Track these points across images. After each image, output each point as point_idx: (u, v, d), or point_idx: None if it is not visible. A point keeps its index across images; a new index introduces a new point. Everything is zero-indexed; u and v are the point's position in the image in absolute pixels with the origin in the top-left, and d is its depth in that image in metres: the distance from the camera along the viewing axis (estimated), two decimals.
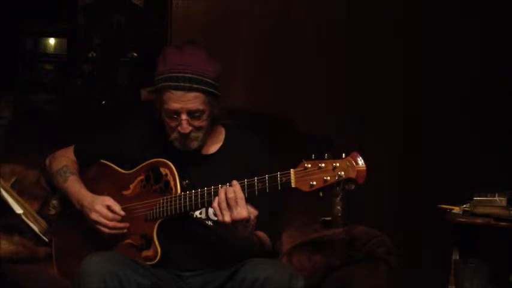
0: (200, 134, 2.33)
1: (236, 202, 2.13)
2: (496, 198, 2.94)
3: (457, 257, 3.00)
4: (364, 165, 2.01)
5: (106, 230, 2.37)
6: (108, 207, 2.37)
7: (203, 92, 2.27)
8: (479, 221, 2.92)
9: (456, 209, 3.00)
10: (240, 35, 3.50)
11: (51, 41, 3.98)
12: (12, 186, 2.70)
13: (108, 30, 3.72)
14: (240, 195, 2.13)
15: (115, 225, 2.37)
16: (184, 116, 2.27)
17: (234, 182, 2.16)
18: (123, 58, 3.72)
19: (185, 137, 2.31)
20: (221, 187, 2.18)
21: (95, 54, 3.70)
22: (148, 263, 2.30)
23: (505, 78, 3.53)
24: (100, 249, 2.33)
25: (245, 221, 2.15)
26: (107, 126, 2.63)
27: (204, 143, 2.38)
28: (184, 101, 2.25)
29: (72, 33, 3.79)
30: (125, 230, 2.38)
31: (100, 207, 2.36)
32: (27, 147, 2.88)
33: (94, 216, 2.37)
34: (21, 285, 2.44)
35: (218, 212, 2.16)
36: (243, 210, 2.13)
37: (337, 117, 3.54)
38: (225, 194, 2.14)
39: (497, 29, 3.52)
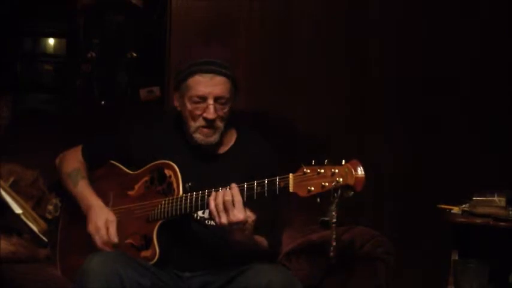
0: (221, 126, 2.37)
1: (233, 205, 2.13)
2: (495, 198, 2.94)
3: (456, 257, 3.01)
4: (363, 173, 1.99)
5: (95, 244, 2.39)
6: (107, 230, 2.38)
7: (229, 78, 2.35)
8: (478, 221, 2.93)
9: (455, 209, 3.00)
10: (239, 35, 3.50)
11: (51, 41, 3.97)
12: (10, 186, 2.70)
13: (108, 30, 3.72)
14: (238, 198, 2.14)
15: (104, 247, 2.38)
16: (211, 101, 2.32)
17: (233, 185, 2.16)
18: (123, 58, 3.72)
19: (210, 124, 2.34)
20: (220, 189, 2.18)
21: (94, 55, 3.70)
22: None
23: (505, 78, 3.53)
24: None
25: (242, 224, 2.15)
26: (114, 128, 2.65)
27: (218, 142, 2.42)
28: (212, 85, 2.31)
29: (72, 33, 3.79)
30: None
31: (101, 225, 2.38)
32: (26, 147, 2.89)
33: (92, 228, 2.39)
34: (20, 285, 2.44)
35: (215, 214, 2.16)
36: (240, 213, 2.13)
37: (337, 117, 3.54)
38: (223, 196, 2.15)
39: (497, 29, 3.52)
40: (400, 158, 3.54)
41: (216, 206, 2.15)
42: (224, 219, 2.14)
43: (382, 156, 3.50)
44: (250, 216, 2.17)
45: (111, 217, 2.41)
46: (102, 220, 2.40)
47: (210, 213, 2.19)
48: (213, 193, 2.18)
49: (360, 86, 3.57)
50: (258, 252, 2.30)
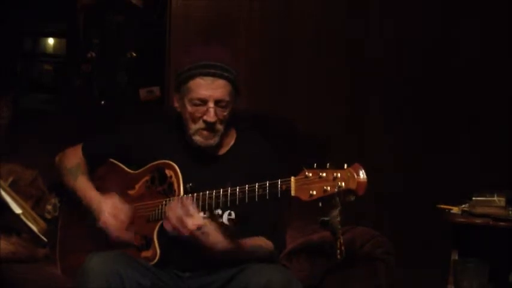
0: (221, 128, 2.37)
1: (187, 215, 2.17)
2: (495, 198, 2.94)
3: (456, 257, 3.01)
4: (365, 177, 1.98)
5: (111, 236, 2.39)
6: (115, 216, 2.39)
7: (230, 81, 2.34)
8: (478, 221, 2.93)
9: (455, 209, 3.01)
10: (239, 35, 3.51)
11: (51, 41, 3.98)
12: (9, 186, 2.70)
13: (108, 30, 3.72)
14: (190, 208, 2.18)
15: (120, 236, 2.39)
16: (211, 104, 2.31)
17: (184, 197, 2.22)
18: (122, 58, 3.73)
19: (210, 127, 2.33)
20: (173, 199, 2.25)
21: (94, 54, 3.71)
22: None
23: (505, 78, 3.53)
24: (102, 248, 2.33)
25: (203, 228, 2.18)
26: (115, 127, 2.65)
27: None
28: (213, 89, 2.31)
29: (72, 33, 3.80)
30: (130, 239, 2.39)
31: (107, 217, 2.39)
32: (26, 147, 2.89)
33: (101, 224, 2.40)
34: (20, 285, 2.44)
35: (171, 228, 2.20)
36: (196, 219, 2.17)
37: (337, 117, 3.54)
38: (175, 212, 2.19)
39: (497, 29, 3.52)
40: (400, 158, 3.54)
41: (172, 220, 2.19)
42: (184, 231, 2.18)
43: (382, 156, 3.50)
44: (206, 222, 2.20)
45: (110, 204, 2.41)
46: (106, 210, 2.40)
47: (167, 227, 2.23)
48: (165, 220, 2.23)
49: (360, 86, 3.57)
50: (255, 253, 2.30)
